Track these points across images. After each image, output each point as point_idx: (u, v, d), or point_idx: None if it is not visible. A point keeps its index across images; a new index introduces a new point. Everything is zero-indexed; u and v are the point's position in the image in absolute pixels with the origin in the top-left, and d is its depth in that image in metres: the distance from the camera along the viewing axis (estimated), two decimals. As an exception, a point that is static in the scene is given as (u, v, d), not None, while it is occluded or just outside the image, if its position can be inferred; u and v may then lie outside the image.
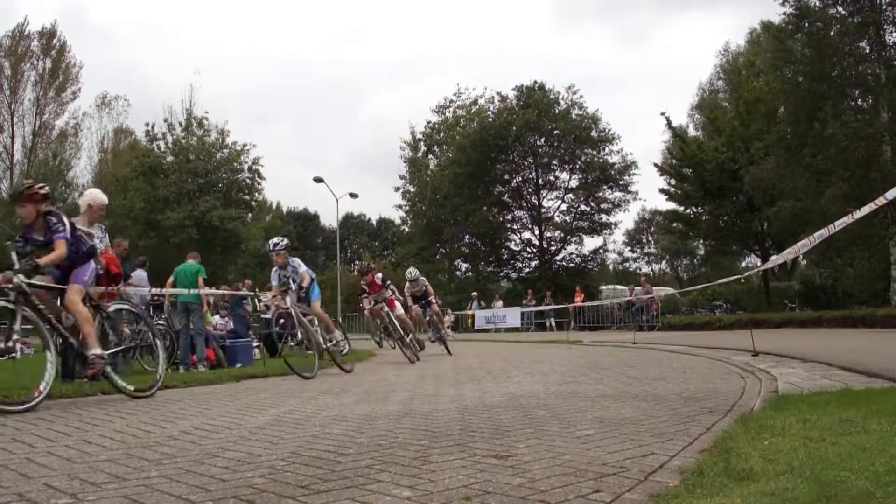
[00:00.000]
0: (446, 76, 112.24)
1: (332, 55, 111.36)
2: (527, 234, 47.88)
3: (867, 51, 24.97)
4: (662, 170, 35.87)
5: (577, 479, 2.95)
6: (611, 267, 61.26)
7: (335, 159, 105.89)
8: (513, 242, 48.36)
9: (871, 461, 2.74)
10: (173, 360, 12.11)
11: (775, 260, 14.66)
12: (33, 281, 6.65)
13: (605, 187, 45.41)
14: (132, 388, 7.18)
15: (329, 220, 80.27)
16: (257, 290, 16.64)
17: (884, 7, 24.31)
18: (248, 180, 49.66)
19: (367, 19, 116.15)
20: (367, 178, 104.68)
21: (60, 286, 6.89)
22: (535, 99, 44.54)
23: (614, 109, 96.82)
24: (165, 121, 49.38)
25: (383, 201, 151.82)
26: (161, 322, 12.71)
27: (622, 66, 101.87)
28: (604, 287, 43.28)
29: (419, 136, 55.22)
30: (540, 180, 46.62)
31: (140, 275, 12.60)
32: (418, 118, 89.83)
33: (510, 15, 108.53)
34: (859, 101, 26.01)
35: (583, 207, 46.47)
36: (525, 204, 47.39)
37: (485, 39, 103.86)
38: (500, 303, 35.30)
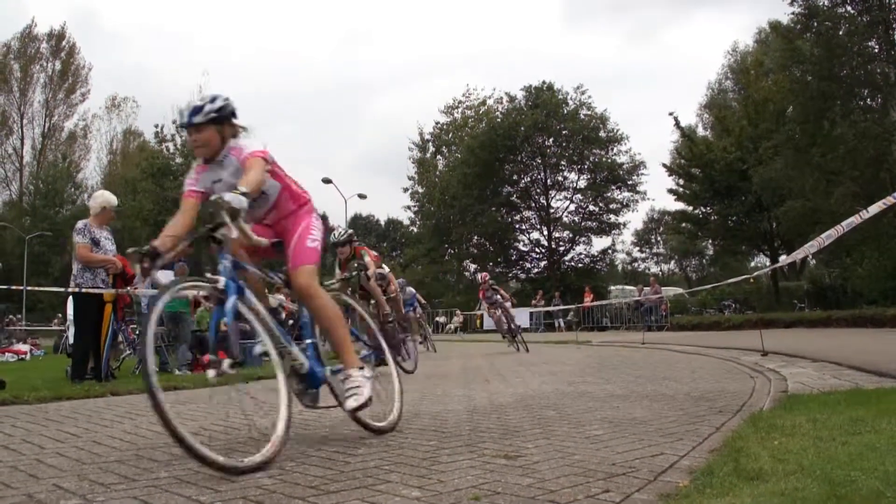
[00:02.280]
0: (455, 76, 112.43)
1: (341, 56, 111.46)
2: (535, 235, 47.98)
3: (876, 50, 24.93)
4: (671, 170, 35.87)
5: (586, 479, 2.95)
6: (619, 267, 61.23)
7: (344, 160, 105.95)
8: (521, 243, 48.41)
9: (882, 460, 2.73)
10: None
11: (785, 260, 14.63)
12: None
13: (613, 187, 45.42)
14: None
15: (338, 220, 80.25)
16: (266, 290, 16.68)
17: (893, 6, 24.23)
18: (256, 181, 49.74)
19: (375, 20, 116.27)
20: (375, 179, 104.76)
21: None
22: (543, 99, 44.57)
23: (624, 108, 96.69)
24: (174, 122, 49.54)
25: (392, 202, 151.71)
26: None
27: (633, 64, 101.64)
28: (613, 287, 43.25)
29: (427, 136, 55.31)
30: (548, 181, 46.67)
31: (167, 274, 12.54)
32: (427, 119, 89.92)
33: (520, 14, 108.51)
34: (868, 101, 25.98)
35: (591, 208, 46.49)
36: (533, 204, 47.42)
37: (494, 39, 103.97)
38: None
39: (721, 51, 74.92)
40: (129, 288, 9.53)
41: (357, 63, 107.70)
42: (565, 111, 44.72)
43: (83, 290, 8.58)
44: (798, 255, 10.14)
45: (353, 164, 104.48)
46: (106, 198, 9.19)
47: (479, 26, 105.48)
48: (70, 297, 9.04)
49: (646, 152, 46.53)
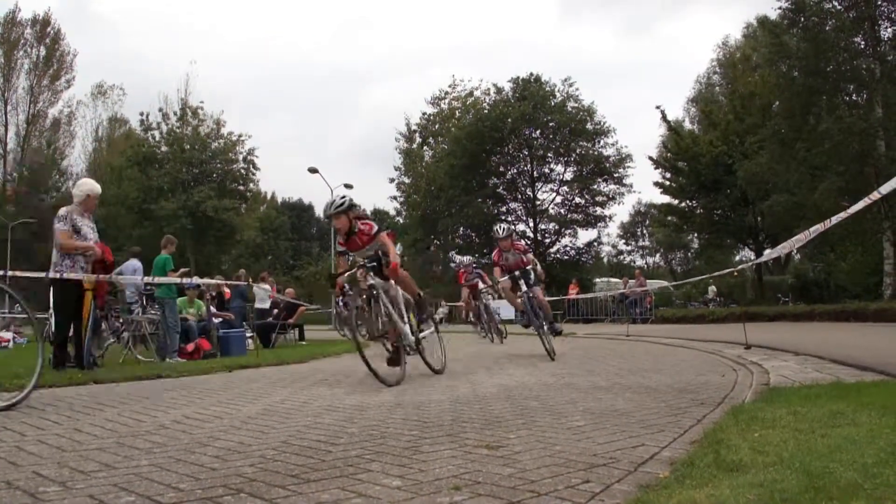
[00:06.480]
0: (449, 68, 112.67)
1: (334, 45, 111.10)
2: (521, 227, 47.89)
3: (862, 46, 25.05)
4: (657, 163, 35.94)
5: (567, 469, 2.96)
6: (605, 260, 61.36)
7: (334, 150, 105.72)
8: (507, 234, 48.25)
9: (860, 453, 2.75)
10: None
11: (770, 254, 14.67)
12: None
13: (599, 180, 45.44)
14: None
15: (324, 211, 79.91)
16: (250, 280, 16.60)
17: (879, 2, 24.35)
18: (242, 171, 49.60)
19: (371, 10, 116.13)
20: (364, 169, 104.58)
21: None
22: (530, 91, 44.54)
23: (617, 101, 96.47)
24: (160, 110, 49.32)
25: (379, 192, 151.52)
26: (154, 312, 12.70)
27: (628, 58, 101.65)
28: (598, 280, 43.34)
29: (414, 127, 55.21)
30: (535, 172, 46.65)
31: (134, 265, 12.59)
32: (415, 109, 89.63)
33: (514, 5, 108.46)
34: (854, 97, 26.13)
35: (577, 200, 46.52)
36: (520, 196, 47.41)
37: (488, 31, 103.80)
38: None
39: (713, 45, 74.85)
40: (112, 275, 9.50)
41: (351, 53, 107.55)
42: (552, 103, 44.68)
43: (64, 276, 8.54)
44: (783, 249, 10.16)
45: (342, 153, 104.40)
46: (90, 185, 9.17)
47: (474, 17, 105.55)
48: (51, 285, 8.97)
49: (638, 145, 46.84)
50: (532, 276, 10.82)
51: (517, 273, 10.66)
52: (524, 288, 10.50)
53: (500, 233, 11.19)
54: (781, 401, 4.50)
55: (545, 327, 10.35)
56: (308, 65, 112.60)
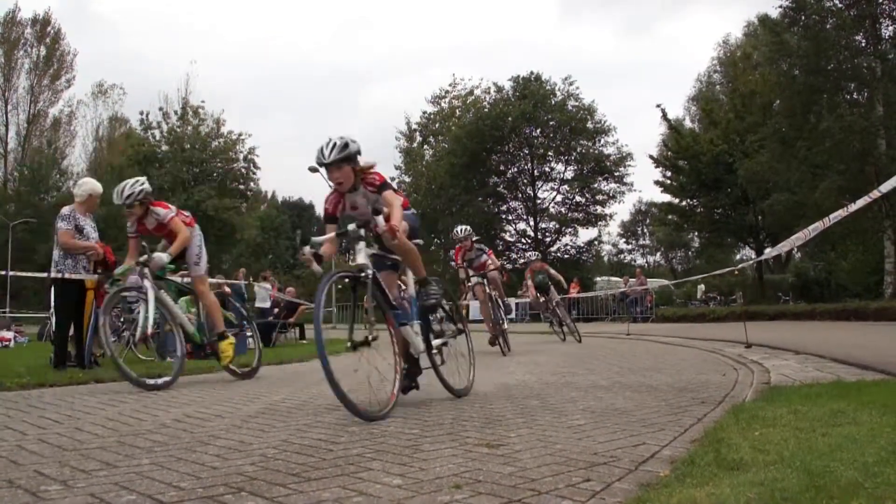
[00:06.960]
0: (450, 68, 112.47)
1: (334, 45, 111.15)
2: (522, 226, 48.01)
3: (863, 44, 25.02)
4: (658, 162, 35.90)
5: (567, 468, 2.95)
6: (606, 258, 61.37)
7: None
8: (508, 233, 48.41)
9: (861, 452, 2.75)
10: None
11: (770, 253, 14.68)
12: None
13: (600, 178, 45.45)
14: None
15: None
16: (251, 279, 16.61)
17: (879, 0, 24.32)
18: (243, 170, 49.56)
19: (371, 10, 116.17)
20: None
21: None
22: (531, 90, 44.55)
23: (618, 100, 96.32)
24: (160, 109, 49.23)
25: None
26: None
27: (628, 58, 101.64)
28: (598, 278, 43.35)
29: (415, 126, 55.19)
30: (535, 171, 46.68)
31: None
32: (415, 109, 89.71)
33: (514, 5, 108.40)
34: (855, 95, 26.09)
35: (578, 199, 46.54)
36: (520, 195, 47.43)
37: (488, 31, 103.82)
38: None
39: (713, 44, 75.04)
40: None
41: (351, 53, 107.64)
42: (553, 102, 44.72)
43: (65, 276, 8.55)
44: (783, 247, 10.16)
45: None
46: (91, 185, 9.19)
47: (475, 18, 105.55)
48: (52, 284, 8.98)
49: (638, 144, 46.80)
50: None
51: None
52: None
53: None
54: (782, 400, 4.50)
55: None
56: (308, 65, 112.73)
